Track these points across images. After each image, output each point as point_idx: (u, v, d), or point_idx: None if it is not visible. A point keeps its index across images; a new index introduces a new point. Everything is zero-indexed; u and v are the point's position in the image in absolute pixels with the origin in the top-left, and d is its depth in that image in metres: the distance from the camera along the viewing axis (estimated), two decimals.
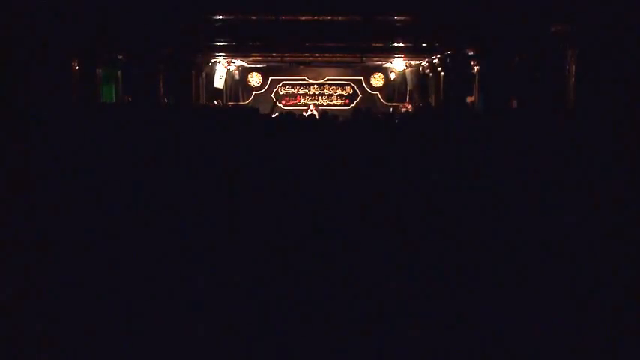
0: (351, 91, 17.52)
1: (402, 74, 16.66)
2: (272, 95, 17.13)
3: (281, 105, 17.07)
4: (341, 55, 14.34)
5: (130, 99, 11.57)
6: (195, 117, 7.28)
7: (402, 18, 9.55)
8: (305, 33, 10.59)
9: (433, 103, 13.97)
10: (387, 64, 16.37)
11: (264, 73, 17.35)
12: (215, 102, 14.76)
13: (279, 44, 12.45)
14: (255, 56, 14.93)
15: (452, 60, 12.19)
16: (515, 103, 10.37)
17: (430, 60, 14.17)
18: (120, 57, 11.21)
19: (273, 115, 7.78)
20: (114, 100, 11.64)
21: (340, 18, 9.48)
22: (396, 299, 3.37)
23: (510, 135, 5.38)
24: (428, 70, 14.81)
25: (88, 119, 6.27)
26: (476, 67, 11.74)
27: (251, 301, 3.28)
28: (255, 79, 17.43)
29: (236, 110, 10.43)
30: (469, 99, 12.34)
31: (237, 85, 17.24)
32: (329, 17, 9.39)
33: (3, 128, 5.69)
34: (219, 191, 4.28)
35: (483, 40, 10.04)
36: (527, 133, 5.42)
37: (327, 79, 17.50)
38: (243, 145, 4.91)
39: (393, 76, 16.85)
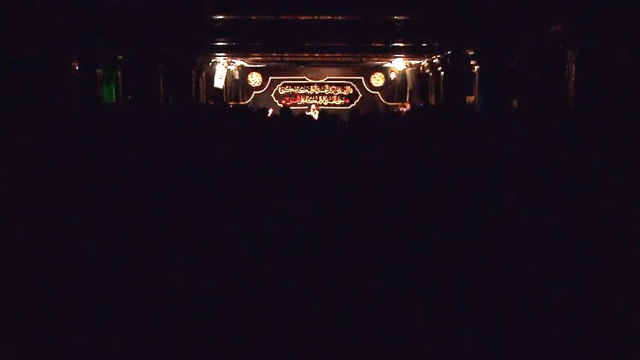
0: (351, 91, 17.52)
1: (402, 74, 16.66)
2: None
3: (281, 105, 17.08)
4: (341, 55, 14.34)
5: (128, 98, 11.56)
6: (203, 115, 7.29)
7: (402, 18, 9.55)
8: (305, 33, 10.59)
9: (433, 103, 13.98)
10: (387, 64, 16.37)
11: (264, 73, 17.34)
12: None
13: (279, 44, 12.45)
14: (255, 56, 14.92)
15: (452, 60, 12.19)
16: (515, 103, 10.38)
17: (430, 60, 14.17)
18: (120, 57, 11.20)
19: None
20: (114, 100, 11.64)
21: (340, 18, 9.48)
22: (394, 301, 3.37)
23: (510, 135, 5.38)
24: (428, 70, 14.82)
25: (87, 119, 6.27)
26: (476, 67, 11.75)
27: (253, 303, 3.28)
28: (255, 79, 17.42)
29: (245, 110, 10.41)
30: (469, 99, 12.35)
31: (237, 85, 17.24)
32: (329, 17, 9.39)
33: (3, 128, 5.69)
34: (223, 193, 4.28)
35: (483, 40, 10.04)
36: (527, 133, 5.42)
37: (327, 79, 17.49)
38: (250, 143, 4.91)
39: (393, 76, 16.85)
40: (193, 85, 13.58)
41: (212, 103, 14.58)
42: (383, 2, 8.46)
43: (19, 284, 3.36)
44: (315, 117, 11.81)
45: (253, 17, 9.56)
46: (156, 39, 10.25)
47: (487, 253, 3.71)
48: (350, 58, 15.29)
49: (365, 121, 6.21)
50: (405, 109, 14.42)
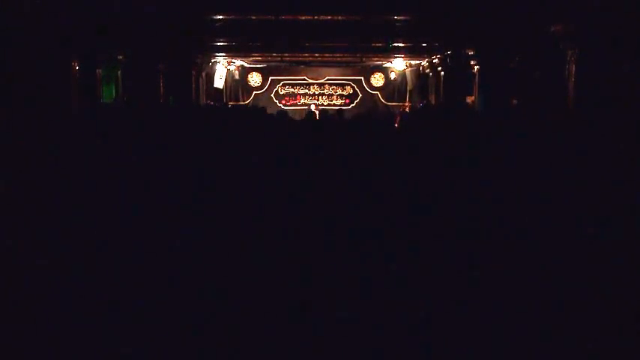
0: (351, 91, 17.52)
1: (402, 74, 16.66)
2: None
3: (281, 105, 17.08)
4: (341, 55, 14.34)
5: (126, 99, 11.55)
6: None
7: (402, 18, 9.55)
8: (305, 33, 10.59)
9: (433, 103, 13.98)
10: (387, 64, 16.38)
11: (264, 73, 17.33)
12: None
13: (279, 44, 12.45)
14: (255, 56, 14.93)
15: (452, 60, 12.19)
16: (515, 103, 10.37)
17: (430, 60, 14.17)
18: (120, 57, 11.20)
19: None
20: (114, 101, 11.65)
21: (340, 18, 9.48)
22: (394, 301, 3.37)
23: (510, 135, 5.38)
24: (428, 70, 14.82)
25: (88, 119, 6.28)
26: (476, 67, 11.75)
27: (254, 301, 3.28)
28: (255, 79, 17.41)
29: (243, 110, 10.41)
30: (469, 99, 12.35)
31: (237, 85, 17.24)
32: (329, 17, 9.39)
33: (3, 128, 5.69)
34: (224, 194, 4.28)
35: (483, 40, 10.04)
36: (527, 133, 5.42)
37: (327, 79, 17.49)
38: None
39: (393, 76, 16.86)
40: (193, 85, 13.57)
41: (211, 103, 14.57)
42: (383, 2, 8.46)
43: (19, 284, 3.36)
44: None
45: (253, 17, 9.55)
46: (156, 39, 10.25)
47: (487, 253, 3.71)
48: (350, 58, 15.29)
49: (361, 120, 6.21)
50: (405, 109, 14.43)
